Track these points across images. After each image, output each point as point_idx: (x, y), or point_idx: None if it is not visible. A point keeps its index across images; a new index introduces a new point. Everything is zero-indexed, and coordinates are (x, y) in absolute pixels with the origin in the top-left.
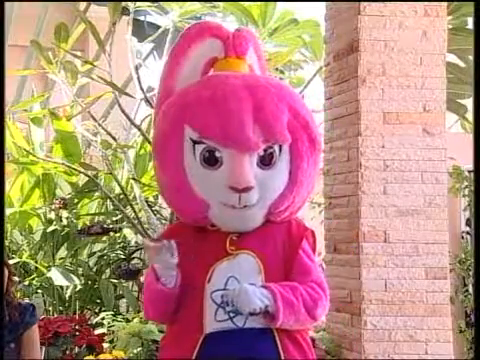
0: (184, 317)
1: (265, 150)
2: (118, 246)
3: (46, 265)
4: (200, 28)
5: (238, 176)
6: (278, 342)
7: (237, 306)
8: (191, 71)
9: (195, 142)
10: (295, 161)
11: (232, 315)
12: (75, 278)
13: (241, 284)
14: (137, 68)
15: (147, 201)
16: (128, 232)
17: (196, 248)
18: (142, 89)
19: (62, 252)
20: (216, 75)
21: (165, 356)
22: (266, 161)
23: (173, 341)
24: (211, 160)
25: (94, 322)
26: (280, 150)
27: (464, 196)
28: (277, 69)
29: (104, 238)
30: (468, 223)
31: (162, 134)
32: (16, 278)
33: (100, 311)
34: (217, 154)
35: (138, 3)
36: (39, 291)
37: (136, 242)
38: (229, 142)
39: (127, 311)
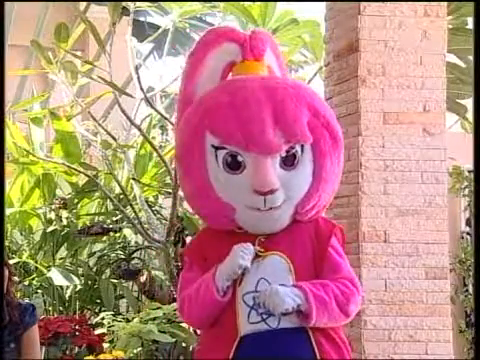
0: (219, 321)
1: (287, 151)
2: (118, 246)
3: (46, 265)
4: (216, 33)
5: (261, 179)
6: (313, 341)
7: (269, 307)
8: (210, 77)
9: (217, 148)
10: (318, 160)
11: (265, 317)
12: (75, 278)
13: (271, 285)
14: (137, 68)
15: (147, 201)
16: (128, 232)
17: (226, 251)
18: (142, 89)
19: (62, 252)
20: (234, 80)
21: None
22: (289, 162)
23: (209, 345)
24: (234, 165)
25: (94, 322)
26: (302, 150)
27: (464, 196)
28: None
29: (104, 238)
30: (468, 223)
31: (184, 143)
32: (16, 278)
33: (100, 311)
34: (239, 158)
35: (138, 3)
36: (39, 291)
37: (136, 242)
38: (251, 146)
39: (127, 311)
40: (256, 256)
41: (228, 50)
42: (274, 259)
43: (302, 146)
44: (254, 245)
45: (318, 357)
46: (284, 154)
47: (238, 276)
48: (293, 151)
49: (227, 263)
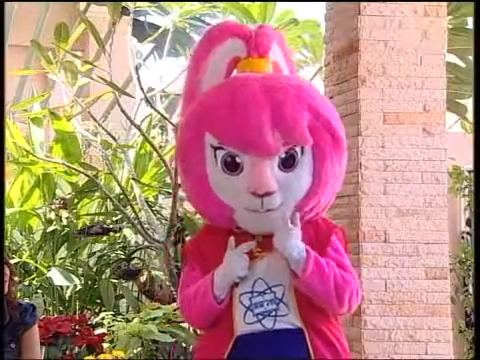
0: (216, 321)
1: (286, 152)
2: (118, 246)
3: (46, 265)
4: (221, 28)
5: (259, 181)
6: (308, 342)
7: (279, 245)
8: (214, 72)
9: (216, 148)
10: (318, 161)
11: (261, 317)
12: (75, 278)
13: (287, 232)
14: (137, 68)
15: (147, 201)
16: (128, 232)
17: (224, 250)
18: (142, 89)
19: (62, 252)
20: (236, 78)
21: (200, 358)
22: (288, 163)
23: (207, 344)
24: (232, 166)
25: (94, 322)
26: (302, 151)
27: (464, 196)
28: None
29: (104, 238)
30: (468, 223)
31: (184, 142)
32: (16, 278)
33: (100, 311)
34: (238, 160)
35: (138, 3)
36: (39, 291)
37: (136, 242)
38: (249, 148)
39: (127, 311)
40: (254, 256)
41: (233, 46)
42: (270, 259)
43: (302, 148)
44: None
45: (312, 358)
46: (283, 155)
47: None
48: (292, 152)
49: (224, 272)
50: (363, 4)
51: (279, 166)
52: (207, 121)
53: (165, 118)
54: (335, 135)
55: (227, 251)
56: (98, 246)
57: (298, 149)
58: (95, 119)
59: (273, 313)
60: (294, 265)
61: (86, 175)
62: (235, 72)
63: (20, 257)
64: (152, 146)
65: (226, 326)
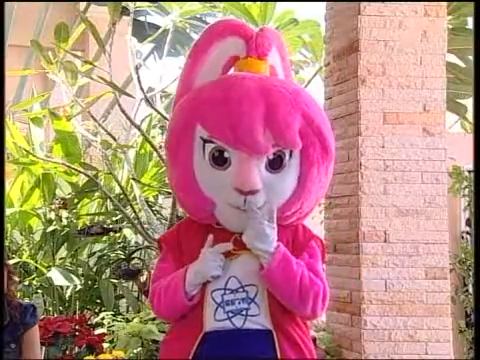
0: (186, 314)
1: (275, 154)
2: (118, 246)
3: (46, 265)
4: (223, 26)
5: (244, 179)
6: (276, 343)
7: (251, 238)
8: (211, 69)
9: (205, 141)
10: (305, 167)
11: (231, 315)
12: (75, 278)
13: (265, 225)
14: (137, 68)
15: (147, 201)
16: (128, 232)
17: (200, 245)
18: (142, 89)
19: (62, 252)
20: (232, 75)
21: (165, 352)
22: (275, 165)
23: (175, 338)
24: (220, 160)
25: (94, 322)
26: (290, 155)
27: (464, 196)
28: None
29: (104, 238)
30: (468, 223)
31: (174, 131)
32: (16, 278)
33: (100, 311)
34: (226, 154)
35: (138, 3)
36: (39, 291)
37: (136, 242)
38: (238, 144)
39: (127, 311)
40: (229, 254)
41: (233, 44)
42: (246, 258)
43: (291, 151)
44: (229, 242)
45: (279, 358)
46: (271, 156)
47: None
48: (280, 154)
49: (198, 270)
50: (363, 4)
51: (266, 167)
52: (200, 113)
53: (165, 118)
54: (325, 143)
55: (204, 248)
56: (98, 246)
57: (287, 152)
58: (95, 119)
59: (244, 312)
60: (261, 256)
61: (86, 175)
62: (232, 70)
63: (20, 257)
64: (152, 146)
65: (195, 321)
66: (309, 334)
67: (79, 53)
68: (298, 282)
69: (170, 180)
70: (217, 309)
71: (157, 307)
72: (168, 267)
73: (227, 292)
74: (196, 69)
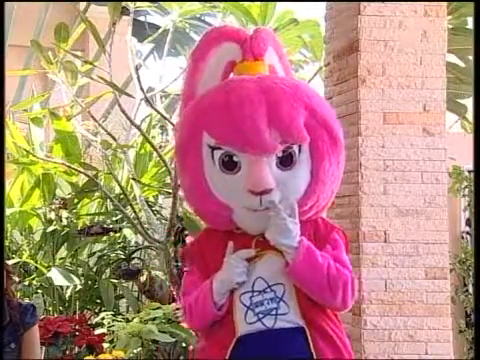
0: (217, 321)
1: (284, 151)
2: (118, 246)
3: (46, 265)
4: (217, 33)
5: (255, 179)
6: (310, 341)
7: (273, 234)
8: (211, 76)
9: (213, 148)
10: (316, 160)
11: (261, 316)
12: (75, 278)
13: (287, 220)
14: (137, 68)
15: (147, 201)
16: (128, 232)
17: (224, 253)
18: (142, 89)
19: (62, 252)
20: (231, 80)
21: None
22: (286, 162)
23: (208, 345)
24: (230, 165)
25: (94, 322)
26: (300, 150)
27: (464, 196)
28: None
29: (104, 238)
30: (468, 223)
31: (182, 141)
32: (16, 278)
33: (100, 311)
34: (235, 159)
35: (138, 3)
36: (39, 291)
37: (136, 242)
38: (245, 147)
39: (127, 311)
40: (253, 256)
41: (228, 49)
42: (271, 258)
43: (300, 146)
44: (252, 245)
45: (314, 357)
46: (281, 154)
47: None
48: (290, 151)
49: (223, 279)
50: (363, 4)
51: (277, 165)
52: (204, 121)
53: (165, 118)
54: (332, 134)
55: (226, 257)
56: (98, 246)
57: (296, 148)
58: (95, 119)
59: (273, 312)
60: (285, 253)
61: (86, 175)
62: (231, 76)
63: (20, 257)
64: (152, 146)
65: (227, 327)
66: (342, 327)
67: (79, 53)
68: (325, 273)
69: (184, 191)
70: (247, 312)
71: (189, 320)
72: (196, 280)
73: (255, 294)
74: (196, 79)
